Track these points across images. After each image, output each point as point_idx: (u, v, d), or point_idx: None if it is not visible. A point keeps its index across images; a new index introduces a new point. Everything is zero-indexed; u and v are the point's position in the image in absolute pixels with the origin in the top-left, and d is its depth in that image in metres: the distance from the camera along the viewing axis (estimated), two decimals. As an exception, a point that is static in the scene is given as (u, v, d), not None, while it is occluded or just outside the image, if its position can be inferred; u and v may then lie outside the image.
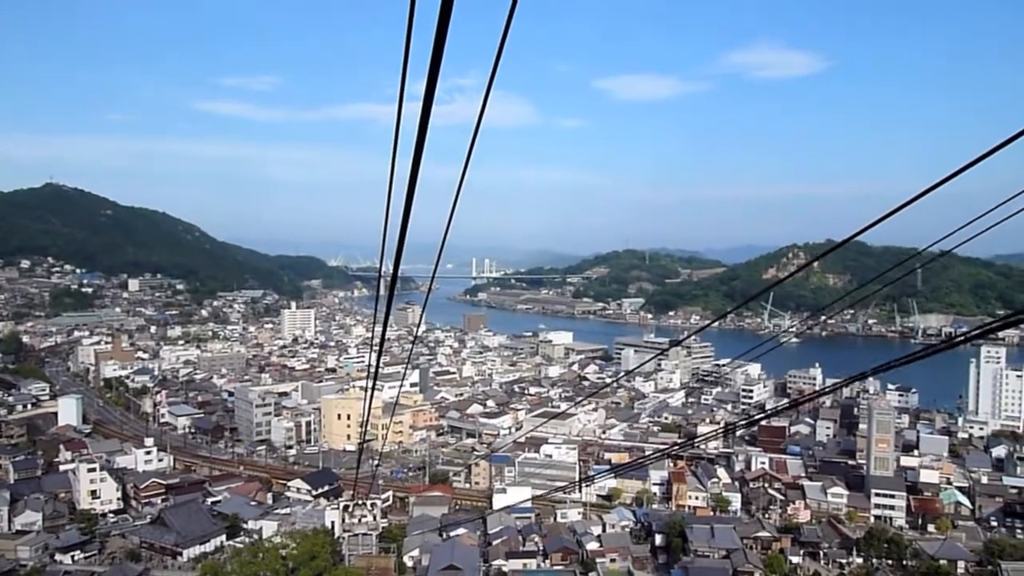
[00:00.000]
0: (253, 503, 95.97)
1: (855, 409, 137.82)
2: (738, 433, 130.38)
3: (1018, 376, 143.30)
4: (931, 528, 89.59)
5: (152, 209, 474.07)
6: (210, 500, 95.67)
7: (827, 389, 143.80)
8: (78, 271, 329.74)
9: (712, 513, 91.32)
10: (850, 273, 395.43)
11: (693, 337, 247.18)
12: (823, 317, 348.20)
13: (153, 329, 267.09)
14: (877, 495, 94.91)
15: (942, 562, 69.22)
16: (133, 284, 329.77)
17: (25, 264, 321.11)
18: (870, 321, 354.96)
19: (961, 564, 70.60)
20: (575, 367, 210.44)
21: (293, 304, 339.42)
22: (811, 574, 67.96)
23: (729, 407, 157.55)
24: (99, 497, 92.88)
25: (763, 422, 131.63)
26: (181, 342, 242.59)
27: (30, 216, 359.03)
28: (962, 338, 7.58)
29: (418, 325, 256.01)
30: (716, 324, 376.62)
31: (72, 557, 77.50)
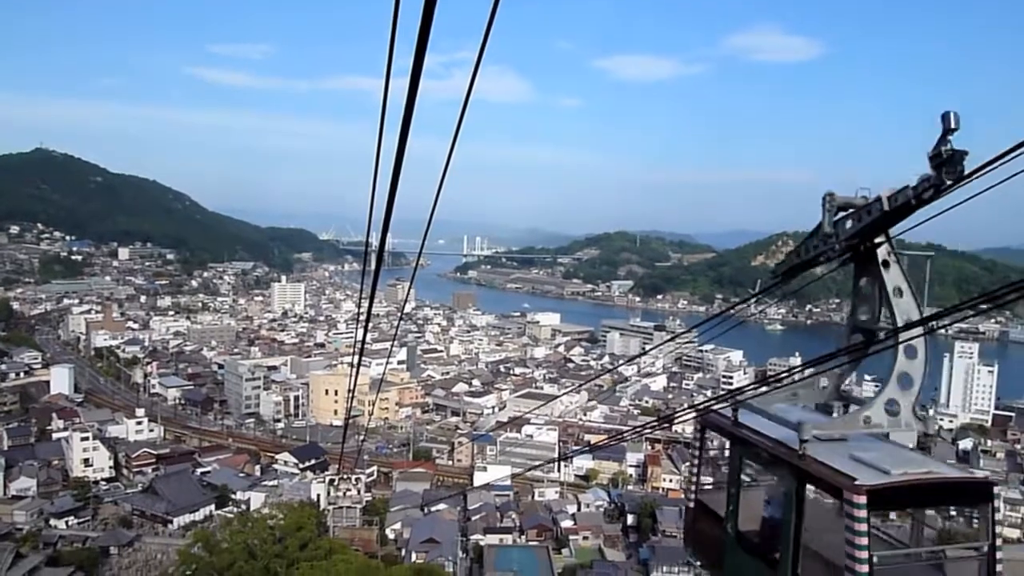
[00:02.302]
0: (241, 475, 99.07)
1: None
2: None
3: (989, 372, 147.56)
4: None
5: (142, 177, 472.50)
6: (200, 471, 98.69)
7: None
8: (68, 238, 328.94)
9: (685, 495, 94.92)
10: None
11: (678, 322, 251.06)
12: (809, 305, 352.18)
13: (143, 299, 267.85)
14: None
15: (896, 548, 73.03)
16: (123, 253, 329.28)
17: (14, 230, 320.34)
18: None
19: (914, 550, 74.57)
20: (561, 349, 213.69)
21: (283, 277, 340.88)
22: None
23: (710, 392, 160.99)
24: (91, 465, 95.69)
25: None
26: (171, 313, 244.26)
27: (20, 181, 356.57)
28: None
29: (404, 302, 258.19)
30: (703, 308, 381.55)
31: (66, 522, 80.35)
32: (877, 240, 7.09)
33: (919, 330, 7.14)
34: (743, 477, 8.56)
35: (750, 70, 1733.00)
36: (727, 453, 8.87)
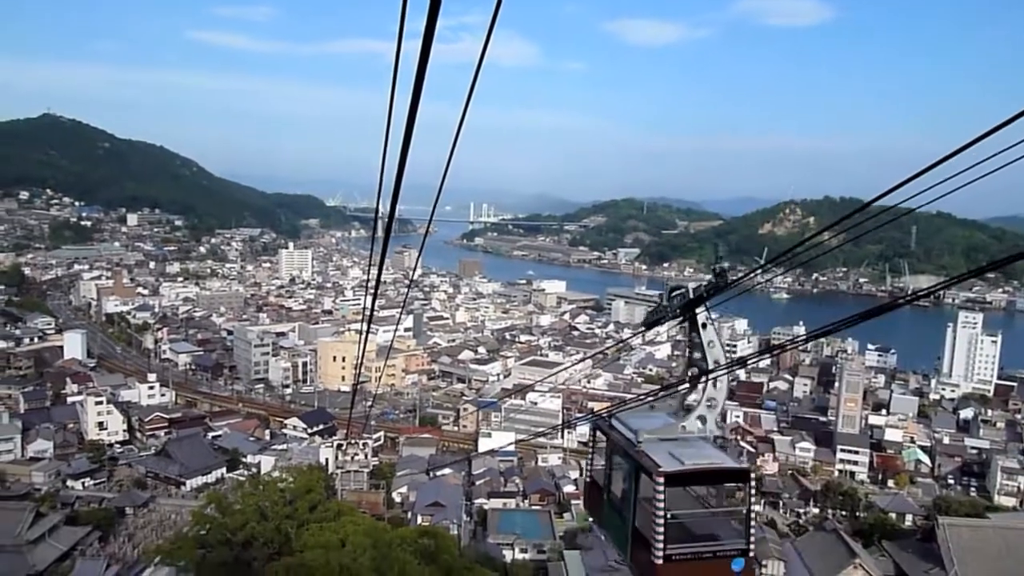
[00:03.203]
0: (252, 439, 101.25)
1: (833, 368, 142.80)
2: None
3: (992, 341, 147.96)
4: (891, 483, 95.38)
5: (149, 143, 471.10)
6: (211, 435, 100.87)
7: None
8: (77, 204, 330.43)
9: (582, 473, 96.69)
10: (846, 231, 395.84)
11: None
12: (814, 275, 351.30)
13: (152, 265, 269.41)
14: (842, 451, 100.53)
15: (891, 515, 74.71)
16: (132, 219, 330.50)
17: (24, 195, 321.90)
18: (861, 280, 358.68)
19: (909, 517, 76.17)
20: (566, 316, 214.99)
21: (291, 244, 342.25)
22: (767, 521, 73.44)
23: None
24: (106, 428, 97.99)
25: (743, 378, 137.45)
26: (180, 279, 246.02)
27: (28, 147, 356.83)
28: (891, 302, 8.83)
29: (414, 270, 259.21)
30: (709, 277, 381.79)
31: (83, 483, 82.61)
32: (698, 310, 10.52)
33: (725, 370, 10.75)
34: (613, 461, 11.86)
35: (758, 34, 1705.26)
36: (606, 446, 12.19)
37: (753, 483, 10.41)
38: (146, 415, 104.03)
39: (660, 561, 9.60)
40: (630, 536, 10.65)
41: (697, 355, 10.89)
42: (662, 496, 9.52)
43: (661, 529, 9.53)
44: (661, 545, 9.56)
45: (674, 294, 10.92)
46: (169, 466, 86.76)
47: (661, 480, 9.57)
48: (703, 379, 10.72)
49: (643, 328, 13.08)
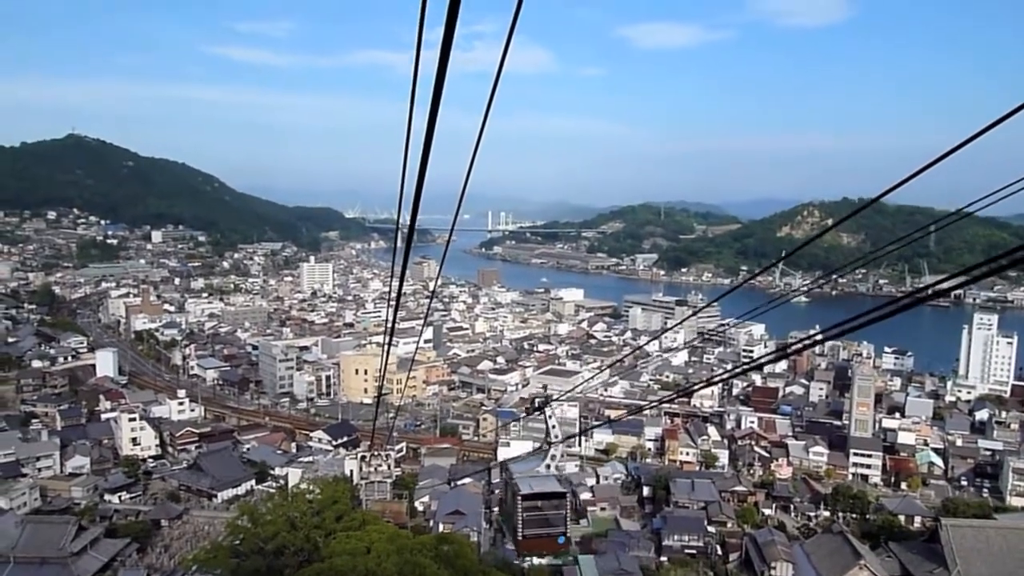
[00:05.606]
0: (279, 451, 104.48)
1: (849, 371, 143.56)
2: (733, 393, 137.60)
3: (1008, 342, 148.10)
4: (903, 486, 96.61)
5: (172, 160, 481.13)
6: (240, 448, 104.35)
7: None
8: (103, 222, 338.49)
9: (699, 468, 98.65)
10: (864, 232, 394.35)
11: (700, 296, 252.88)
12: (833, 277, 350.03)
13: (177, 281, 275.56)
14: (855, 454, 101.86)
15: (900, 517, 76.34)
16: (156, 236, 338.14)
17: (51, 215, 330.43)
18: (881, 281, 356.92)
19: (918, 519, 77.71)
20: (584, 325, 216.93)
21: (312, 257, 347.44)
22: (777, 524, 75.32)
23: (730, 366, 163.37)
24: (139, 444, 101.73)
25: (758, 383, 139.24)
26: (205, 294, 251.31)
27: (55, 167, 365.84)
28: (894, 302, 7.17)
29: (436, 284, 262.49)
30: (727, 281, 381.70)
31: (119, 497, 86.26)
32: (546, 409, 28.62)
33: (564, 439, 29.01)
34: (507, 487, 25.19)
35: (775, 35, 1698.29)
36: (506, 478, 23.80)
37: (568, 499, 24.56)
38: (177, 430, 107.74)
39: (521, 537, 25.66)
40: (513, 526, 24.63)
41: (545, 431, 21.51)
42: (520, 508, 25.10)
43: (521, 522, 26.00)
44: (521, 529, 26.03)
45: (533, 402, 23.57)
46: (201, 479, 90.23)
47: (520, 498, 25.37)
48: (550, 446, 24.74)
49: (525, 413, 29.72)
